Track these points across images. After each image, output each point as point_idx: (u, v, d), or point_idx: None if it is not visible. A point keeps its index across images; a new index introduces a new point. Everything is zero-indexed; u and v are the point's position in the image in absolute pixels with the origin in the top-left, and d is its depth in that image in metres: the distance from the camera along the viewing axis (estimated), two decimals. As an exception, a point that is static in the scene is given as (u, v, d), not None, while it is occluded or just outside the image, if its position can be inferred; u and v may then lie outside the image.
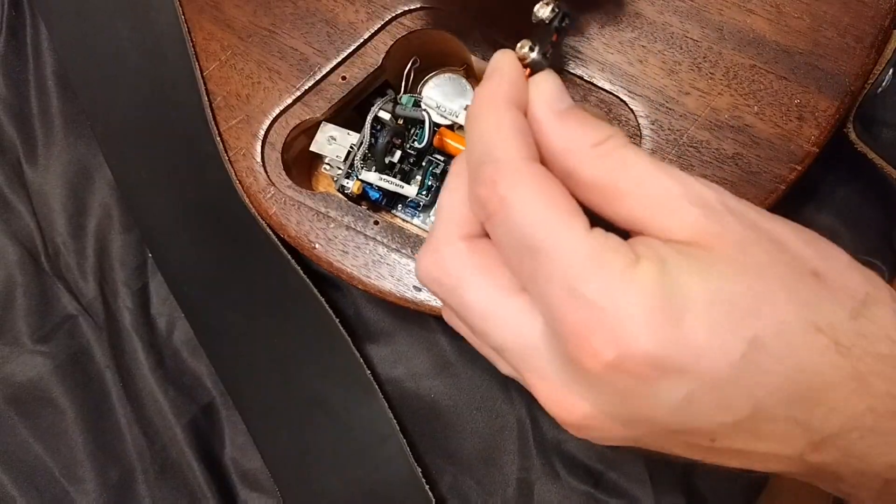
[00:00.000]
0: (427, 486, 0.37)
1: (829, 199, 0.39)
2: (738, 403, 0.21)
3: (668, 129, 0.34)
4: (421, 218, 0.38)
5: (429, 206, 0.38)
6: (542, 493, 0.39)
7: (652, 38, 0.34)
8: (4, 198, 0.44)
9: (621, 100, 0.34)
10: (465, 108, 0.35)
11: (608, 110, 0.34)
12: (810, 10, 0.34)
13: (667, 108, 0.34)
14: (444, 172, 0.37)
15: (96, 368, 0.42)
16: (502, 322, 0.23)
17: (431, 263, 0.24)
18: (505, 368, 0.26)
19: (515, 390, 0.40)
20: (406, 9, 0.36)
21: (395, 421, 0.38)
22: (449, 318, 0.27)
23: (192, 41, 0.37)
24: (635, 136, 0.34)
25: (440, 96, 0.38)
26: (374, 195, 0.37)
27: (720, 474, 0.39)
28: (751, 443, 0.22)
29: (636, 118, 0.34)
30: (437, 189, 0.38)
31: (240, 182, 0.36)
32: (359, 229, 0.35)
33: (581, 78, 0.35)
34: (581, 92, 0.35)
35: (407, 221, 0.39)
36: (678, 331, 0.20)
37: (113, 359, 0.41)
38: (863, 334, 0.21)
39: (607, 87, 0.34)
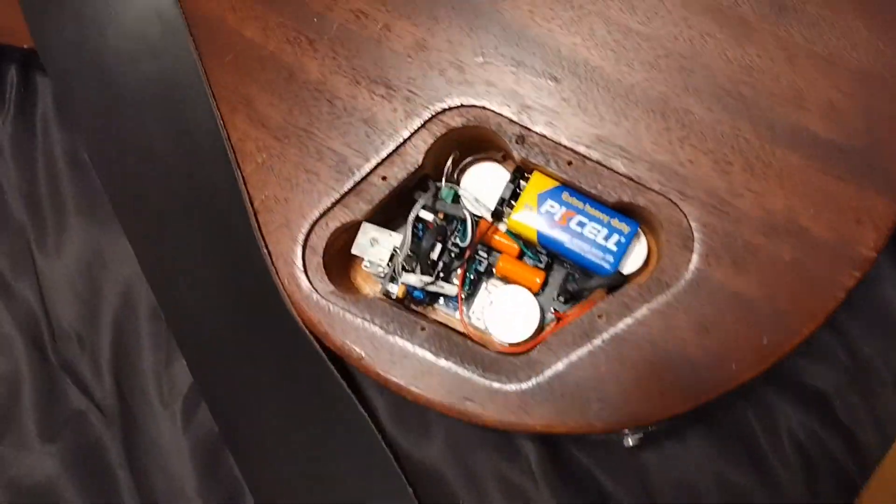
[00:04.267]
0: None
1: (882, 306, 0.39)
2: None
3: (722, 232, 0.33)
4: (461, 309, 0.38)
5: (471, 296, 0.37)
6: None
7: (702, 137, 0.33)
8: (9, 287, 0.43)
9: (672, 201, 0.33)
10: (500, 202, 0.35)
11: (658, 211, 0.33)
12: (864, 105, 0.33)
13: (719, 210, 0.33)
14: (488, 268, 0.37)
15: (106, 465, 0.41)
16: None
17: None
18: None
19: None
20: (446, 106, 0.35)
21: None
22: None
23: (231, 144, 0.36)
24: (687, 239, 0.33)
25: (478, 186, 0.37)
26: (418, 294, 0.36)
27: None
28: None
29: (688, 220, 0.33)
30: (478, 282, 0.37)
31: (283, 289, 0.35)
32: (406, 337, 0.34)
33: (630, 178, 0.34)
34: (629, 192, 0.34)
35: (449, 315, 0.38)
36: None
37: (126, 453, 0.41)
38: None
39: (657, 187, 0.33)
